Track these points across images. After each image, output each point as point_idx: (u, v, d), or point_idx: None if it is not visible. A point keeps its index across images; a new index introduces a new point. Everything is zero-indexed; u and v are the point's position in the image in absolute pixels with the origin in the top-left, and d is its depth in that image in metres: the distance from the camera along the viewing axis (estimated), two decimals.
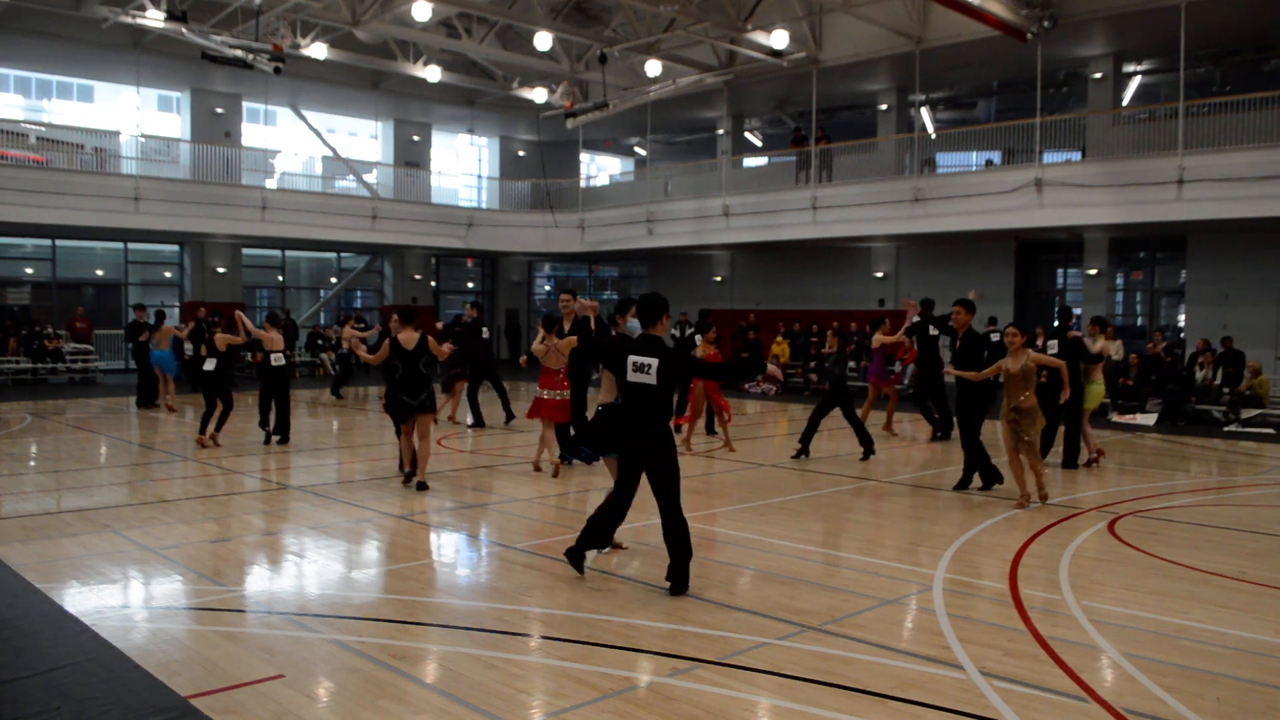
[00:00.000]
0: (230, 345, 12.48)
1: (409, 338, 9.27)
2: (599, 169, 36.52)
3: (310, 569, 6.67)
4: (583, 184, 29.69)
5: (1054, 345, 11.26)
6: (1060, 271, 23.94)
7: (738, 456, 11.93)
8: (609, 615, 5.51)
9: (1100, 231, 20.32)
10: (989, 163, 22.42)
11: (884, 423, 14.45)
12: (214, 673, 4.58)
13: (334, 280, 29.65)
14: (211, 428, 12.26)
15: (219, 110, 25.51)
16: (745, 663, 4.76)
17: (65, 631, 5.14)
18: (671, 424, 6.18)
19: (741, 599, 5.90)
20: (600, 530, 6.18)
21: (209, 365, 12.47)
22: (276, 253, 28.00)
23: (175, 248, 26.17)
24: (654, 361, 5.87)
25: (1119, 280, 22.78)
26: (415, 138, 29.51)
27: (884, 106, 24.17)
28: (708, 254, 27.85)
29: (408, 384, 9.23)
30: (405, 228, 26.47)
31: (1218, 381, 16.63)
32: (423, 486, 9.31)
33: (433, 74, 22.83)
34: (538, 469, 10.44)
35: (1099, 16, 17.98)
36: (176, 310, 24.83)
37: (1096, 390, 11.70)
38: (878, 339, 13.66)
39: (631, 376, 5.94)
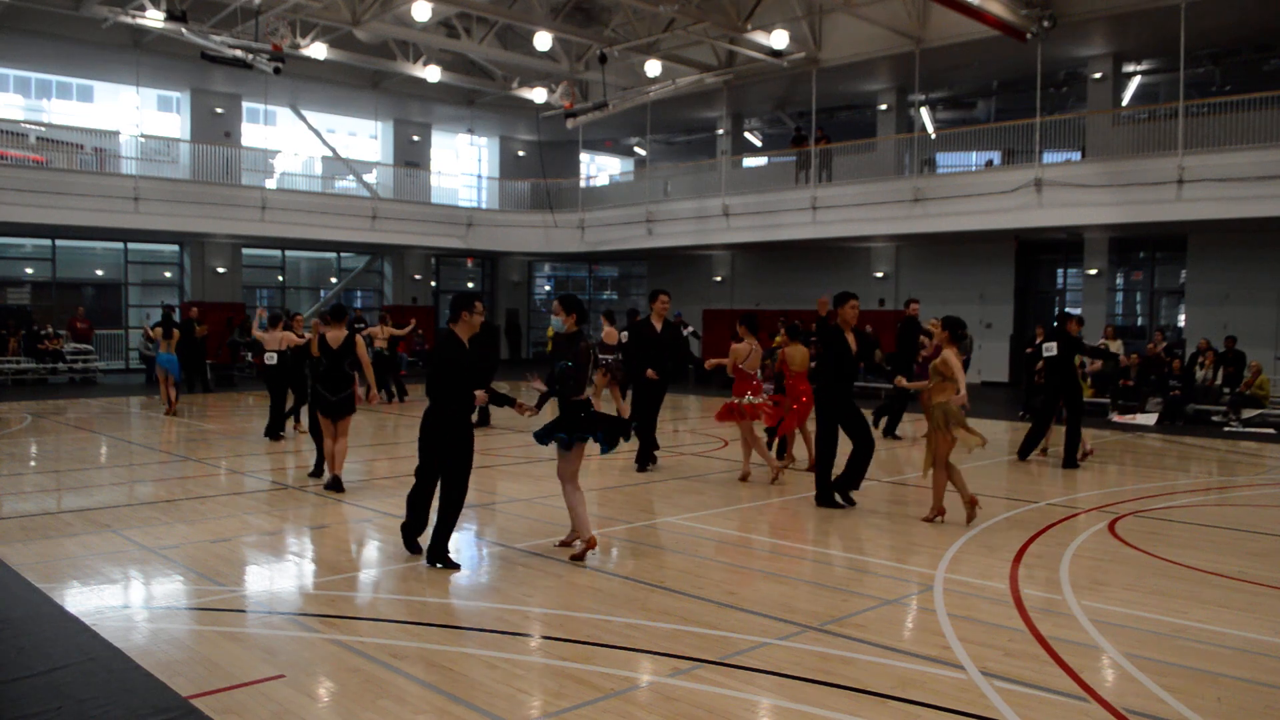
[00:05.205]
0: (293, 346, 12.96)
1: (335, 336, 9.44)
2: (599, 169, 36.52)
3: (310, 569, 6.67)
4: (582, 184, 29.70)
5: (1053, 346, 11.32)
6: (1060, 271, 23.95)
7: (736, 456, 11.90)
8: (609, 615, 5.51)
9: (1100, 231, 20.32)
10: (989, 163, 22.43)
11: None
12: (215, 673, 4.58)
13: (334, 280, 29.66)
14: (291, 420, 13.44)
15: (219, 110, 25.51)
16: (745, 663, 4.75)
17: (65, 631, 5.14)
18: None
19: (741, 599, 5.90)
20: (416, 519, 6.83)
21: (270, 359, 13.06)
22: (276, 253, 28.00)
23: (175, 248, 26.18)
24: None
25: (1119, 280, 22.79)
26: (415, 138, 29.51)
27: (884, 106, 24.18)
28: (708, 254, 27.85)
29: (330, 381, 9.39)
30: (405, 228, 26.48)
31: (1218, 382, 16.62)
32: (337, 483, 9.26)
33: (432, 74, 22.83)
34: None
35: (1099, 16, 17.97)
36: (176, 311, 24.80)
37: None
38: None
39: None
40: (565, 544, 7.08)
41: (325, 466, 9.62)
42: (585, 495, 7.03)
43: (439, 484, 6.69)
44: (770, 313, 25.16)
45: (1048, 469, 11.24)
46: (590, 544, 6.72)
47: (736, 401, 9.99)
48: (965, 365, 15.16)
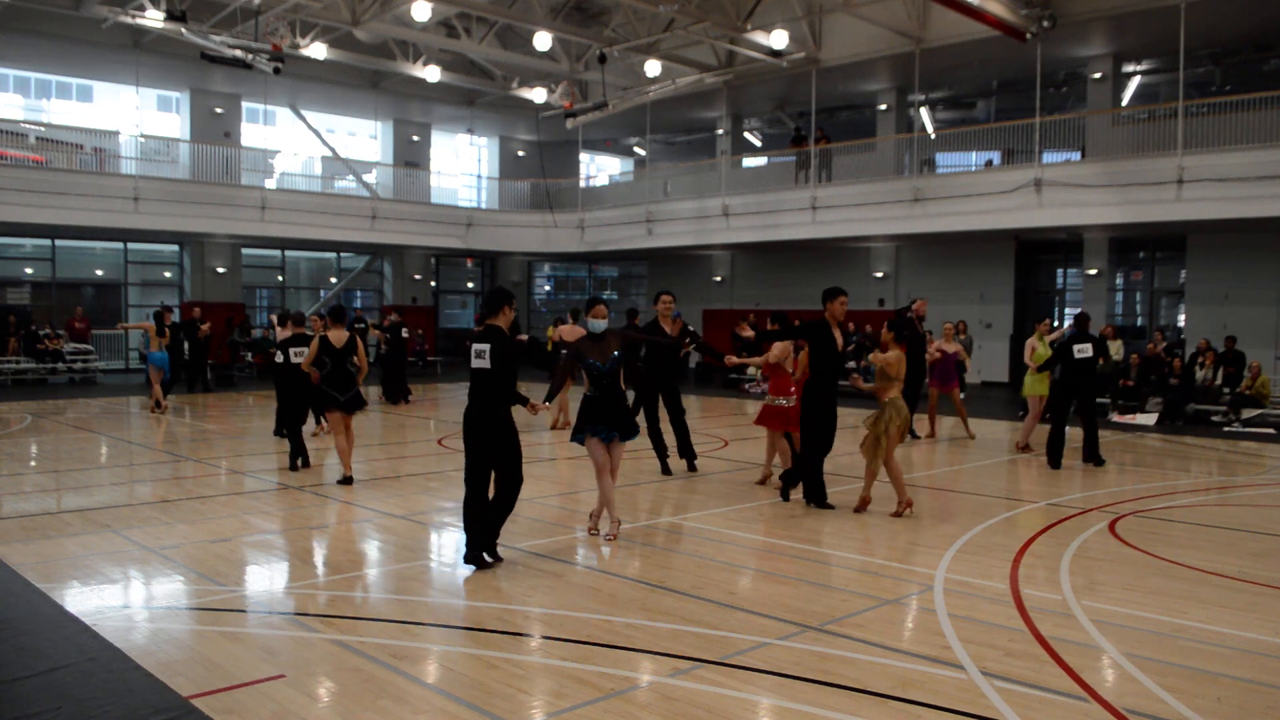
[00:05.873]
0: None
1: (338, 337, 9.72)
2: (598, 169, 36.51)
3: (310, 569, 6.67)
4: (582, 184, 29.69)
5: (1087, 348, 11.20)
6: (1060, 271, 23.95)
7: (737, 455, 11.92)
8: (609, 615, 5.51)
9: (1100, 231, 20.32)
10: (989, 163, 22.43)
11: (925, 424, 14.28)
12: (215, 673, 4.58)
13: (334, 280, 29.65)
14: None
15: (218, 110, 25.51)
16: (745, 663, 4.75)
17: (65, 631, 5.14)
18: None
19: (741, 599, 5.90)
20: (481, 528, 6.56)
21: (281, 358, 12.70)
22: (276, 253, 28.00)
23: (175, 248, 26.18)
24: (487, 347, 6.50)
25: (1119, 280, 22.79)
26: (415, 138, 29.51)
27: (884, 106, 24.18)
28: (708, 254, 27.85)
29: (336, 381, 9.69)
30: (405, 228, 26.47)
31: (1218, 382, 16.62)
32: (348, 480, 9.68)
33: (432, 74, 22.83)
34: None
35: (1099, 16, 17.97)
36: (176, 311, 24.83)
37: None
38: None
39: (473, 363, 6.55)
40: (594, 530, 7.53)
41: (311, 459, 9.78)
42: (609, 486, 7.38)
43: (494, 483, 6.63)
44: (769, 313, 25.19)
45: (1047, 469, 11.23)
46: (595, 528, 7.47)
47: (783, 404, 9.46)
48: (960, 366, 15.13)
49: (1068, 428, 11.45)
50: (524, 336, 6.94)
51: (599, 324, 7.34)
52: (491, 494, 6.62)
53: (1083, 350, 11.16)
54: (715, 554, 7.04)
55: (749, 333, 9.82)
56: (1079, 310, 12.69)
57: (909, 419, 8.48)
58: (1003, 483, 10.47)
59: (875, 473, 8.51)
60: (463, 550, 6.65)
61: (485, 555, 6.57)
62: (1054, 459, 11.23)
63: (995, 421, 15.87)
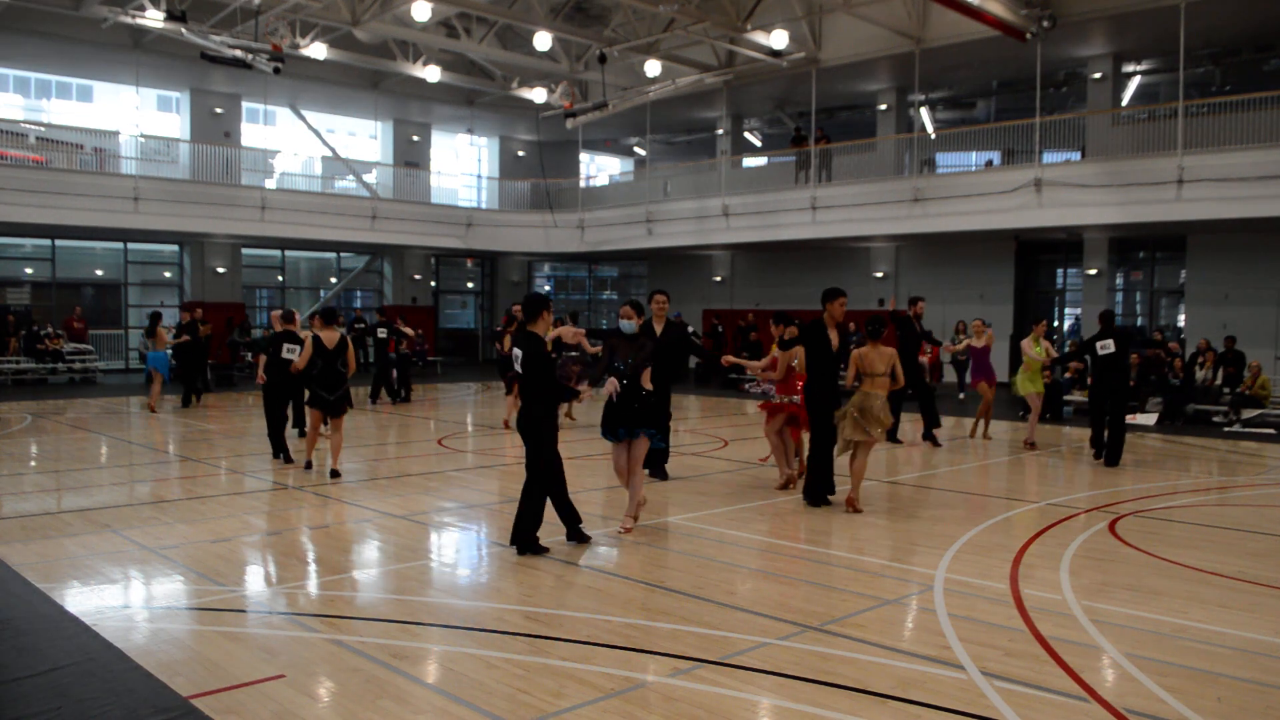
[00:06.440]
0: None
1: (330, 337, 9.92)
2: (598, 169, 36.51)
3: (310, 569, 6.67)
4: (582, 184, 29.69)
5: (1109, 344, 11.26)
6: (1060, 271, 23.95)
7: (737, 455, 11.92)
8: (609, 615, 5.51)
9: (1100, 231, 20.32)
10: (989, 163, 22.43)
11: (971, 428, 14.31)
12: (215, 673, 4.58)
13: (334, 280, 29.66)
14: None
15: (218, 110, 25.51)
16: (745, 663, 4.75)
17: (65, 631, 5.14)
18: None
19: (741, 599, 5.90)
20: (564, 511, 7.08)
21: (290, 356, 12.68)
22: (276, 253, 28.01)
23: (175, 248, 26.18)
24: (520, 353, 6.84)
25: (1119, 280, 22.79)
26: (415, 138, 29.51)
27: (883, 106, 24.18)
28: (707, 254, 27.85)
29: (326, 380, 9.90)
30: (405, 228, 26.48)
31: (1218, 382, 16.62)
32: (335, 474, 9.96)
33: (432, 74, 22.84)
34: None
35: (1099, 16, 17.98)
36: (176, 310, 24.84)
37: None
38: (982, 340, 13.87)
39: (515, 365, 6.93)
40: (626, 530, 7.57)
41: (308, 456, 9.86)
42: (634, 485, 7.61)
43: (537, 476, 6.95)
44: (769, 313, 25.18)
45: (1048, 469, 11.24)
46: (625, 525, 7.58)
47: (793, 401, 9.30)
48: (964, 365, 15.23)
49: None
50: (570, 326, 7.20)
51: (628, 324, 7.58)
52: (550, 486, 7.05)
53: (1105, 347, 11.21)
54: (715, 554, 7.04)
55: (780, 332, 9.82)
56: (1103, 309, 12.68)
57: (877, 419, 8.43)
58: (1003, 483, 10.48)
59: (862, 470, 8.58)
60: (465, 550, 6.65)
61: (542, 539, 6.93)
62: (1102, 455, 11.38)
63: (996, 422, 15.86)
